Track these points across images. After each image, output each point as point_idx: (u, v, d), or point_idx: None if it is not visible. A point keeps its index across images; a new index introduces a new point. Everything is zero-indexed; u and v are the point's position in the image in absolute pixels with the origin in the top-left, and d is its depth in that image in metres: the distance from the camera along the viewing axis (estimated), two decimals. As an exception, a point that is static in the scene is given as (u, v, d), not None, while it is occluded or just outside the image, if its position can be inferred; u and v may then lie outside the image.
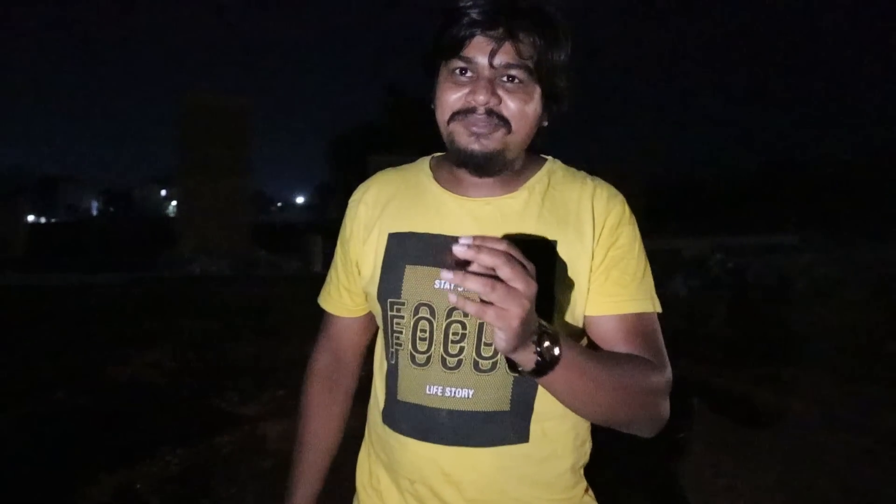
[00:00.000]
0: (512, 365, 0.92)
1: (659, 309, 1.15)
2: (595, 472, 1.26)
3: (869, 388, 5.68)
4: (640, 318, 1.12)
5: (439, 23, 1.08)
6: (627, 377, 1.02)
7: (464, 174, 1.15)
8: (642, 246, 1.17)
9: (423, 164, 1.26)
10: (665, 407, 1.07)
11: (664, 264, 11.23)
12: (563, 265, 1.11)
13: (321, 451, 1.36)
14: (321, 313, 1.39)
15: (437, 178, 1.21)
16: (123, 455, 3.95)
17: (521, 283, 0.79)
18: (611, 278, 1.12)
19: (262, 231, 25.88)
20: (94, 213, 77.91)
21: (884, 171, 37.89)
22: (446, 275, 0.78)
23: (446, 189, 1.18)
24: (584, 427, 1.21)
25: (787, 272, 11.88)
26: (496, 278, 0.78)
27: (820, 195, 37.55)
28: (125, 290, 11.33)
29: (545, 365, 0.89)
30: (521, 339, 0.83)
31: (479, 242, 0.79)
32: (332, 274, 1.33)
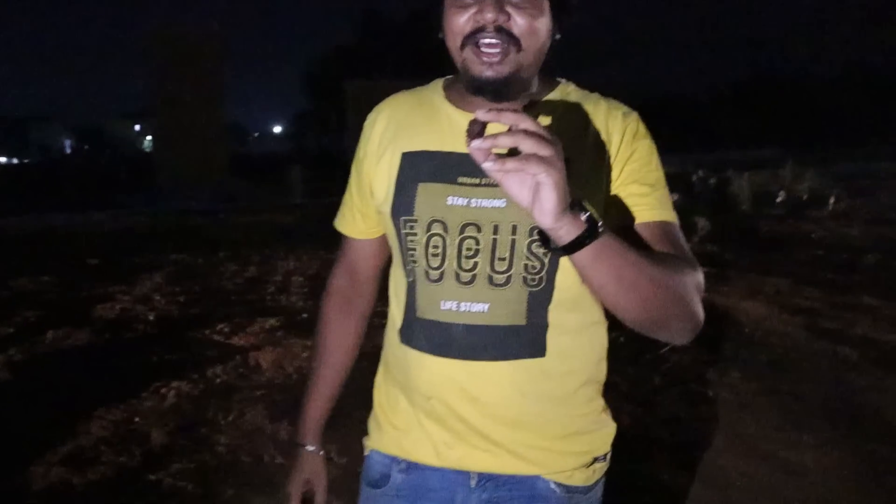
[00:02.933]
0: (546, 241, 0.91)
1: (677, 220, 1.14)
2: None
3: (850, 299, 5.81)
4: (663, 225, 1.12)
5: None
6: (665, 266, 1.00)
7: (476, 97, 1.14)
8: (659, 160, 1.16)
9: (437, 85, 1.25)
10: (700, 309, 1.04)
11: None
12: (578, 181, 1.07)
13: (335, 368, 1.40)
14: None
15: (449, 98, 1.19)
16: (119, 391, 3.98)
17: (548, 135, 0.82)
18: (630, 190, 1.12)
19: (241, 162, 25.60)
20: (68, 151, 76.41)
21: (862, 87, 37.88)
22: (475, 143, 0.81)
23: (458, 108, 1.17)
24: (600, 343, 1.22)
25: (768, 187, 11.94)
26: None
27: (800, 110, 37.57)
28: (106, 227, 11.23)
29: (591, 232, 0.88)
30: (566, 196, 0.84)
31: (497, 110, 0.81)
32: (346, 198, 1.33)
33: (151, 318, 5.59)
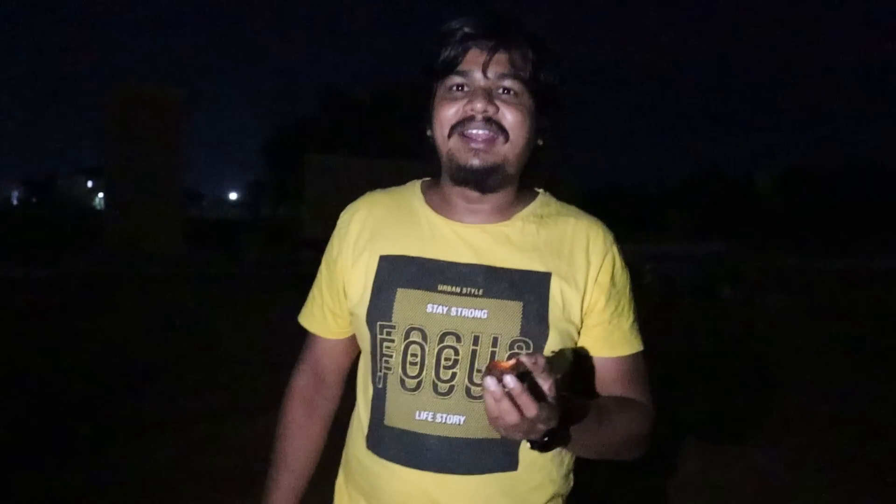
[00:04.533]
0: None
1: (642, 347, 1.21)
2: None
3: (792, 395, 5.87)
4: (632, 358, 1.19)
5: (432, 46, 1.11)
6: (624, 428, 1.12)
7: (457, 199, 1.15)
8: (631, 286, 1.22)
9: (415, 187, 1.25)
10: (648, 442, 1.17)
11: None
12: (556, 296, 1.12)
13: (297, 474, 1.32)
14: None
15: (429, 203, 1.20)
16: (36, 466, 3.78)
17: (541, 420, 0.89)
18: (610, 322, 1.17)
19: (193, 226, 25.29)
20: (14, 203, 74.97)
21: (803, 187, 39.54)
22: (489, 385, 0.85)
23: (439, 214, 1.17)
24: (569, 458, 1.22)
25: (713, 279, 12.21)
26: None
27: (744, 206, 38.86)
28: (49, 285, 10.91)
29: (545, 445, 0.98)
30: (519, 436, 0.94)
31: (519, 390, 0.85)
32: (315, 293, 1.29)
33: (83, 387, 5.34)
